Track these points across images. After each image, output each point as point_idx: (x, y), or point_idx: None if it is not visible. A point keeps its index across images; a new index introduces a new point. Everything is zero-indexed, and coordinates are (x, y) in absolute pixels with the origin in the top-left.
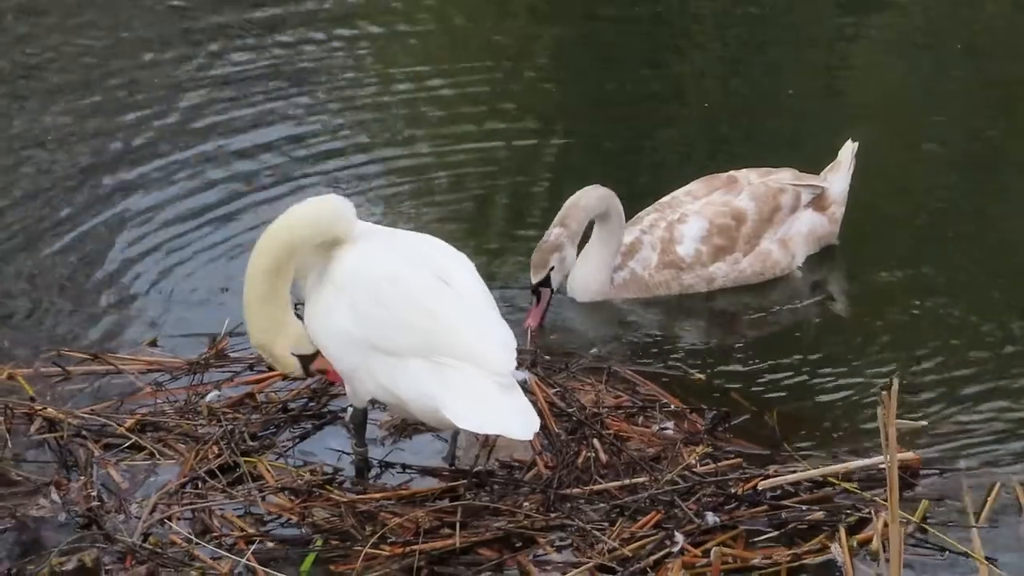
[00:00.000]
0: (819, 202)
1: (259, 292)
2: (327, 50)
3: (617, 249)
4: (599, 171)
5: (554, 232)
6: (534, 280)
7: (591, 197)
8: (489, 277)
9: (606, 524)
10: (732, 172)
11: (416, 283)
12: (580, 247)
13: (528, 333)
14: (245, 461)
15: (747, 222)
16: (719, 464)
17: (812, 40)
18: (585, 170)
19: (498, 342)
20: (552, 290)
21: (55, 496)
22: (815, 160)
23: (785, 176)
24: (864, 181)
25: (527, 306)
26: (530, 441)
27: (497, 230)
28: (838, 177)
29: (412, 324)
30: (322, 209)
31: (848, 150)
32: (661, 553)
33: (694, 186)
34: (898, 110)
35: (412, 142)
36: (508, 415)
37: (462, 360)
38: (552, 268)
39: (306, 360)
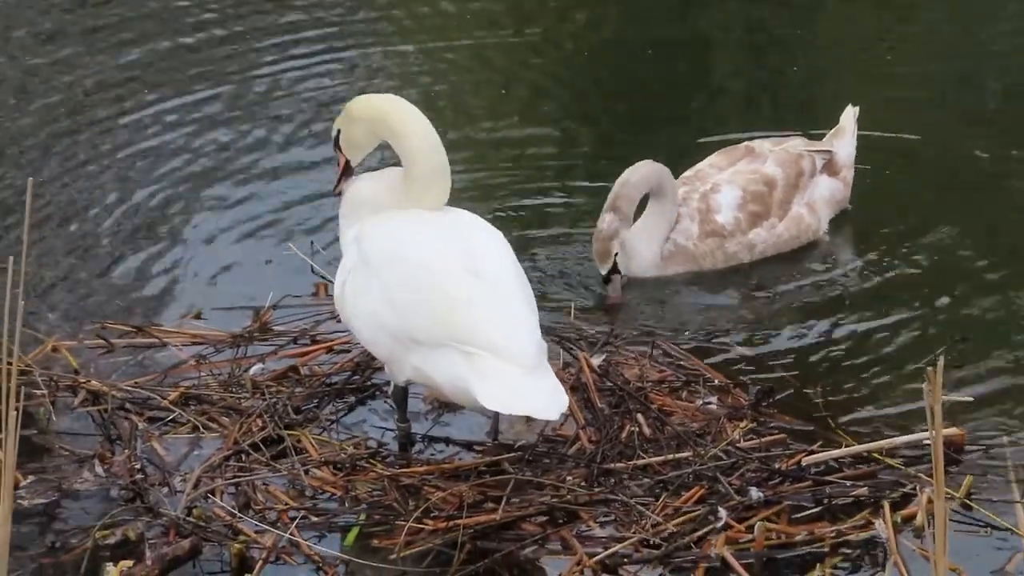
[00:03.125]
0: (830, 167)
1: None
2: (374, 19)
3: (671, 224)
4: (622, 143)
5: (607, 219)
6: (603, 271)
7: (639, 174)
8: (522, 249)
9: (650, 499)
10: (747, 143)
11: (446, 273)
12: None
13: (611, 309)
14: (289, 434)
15: (778, 187)
16: (763, 439)
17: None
18: (608, 140)
19: (524, 333)
20: (621, 275)
21: (99, 469)
22: (815, 126)
23: (797, 143)
24: (864, 145)
25: (565, 274)
26: (573, 415)
27: (532, 205)
28: (843, 142)
29: (439, 315)
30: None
31: (850, 115)
32: (705, 529)
33: (715, 158)
34: (904, 76)
35: (445, 118)
36: (537, 397)
37: (488, 352)
38: (616, 254)
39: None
